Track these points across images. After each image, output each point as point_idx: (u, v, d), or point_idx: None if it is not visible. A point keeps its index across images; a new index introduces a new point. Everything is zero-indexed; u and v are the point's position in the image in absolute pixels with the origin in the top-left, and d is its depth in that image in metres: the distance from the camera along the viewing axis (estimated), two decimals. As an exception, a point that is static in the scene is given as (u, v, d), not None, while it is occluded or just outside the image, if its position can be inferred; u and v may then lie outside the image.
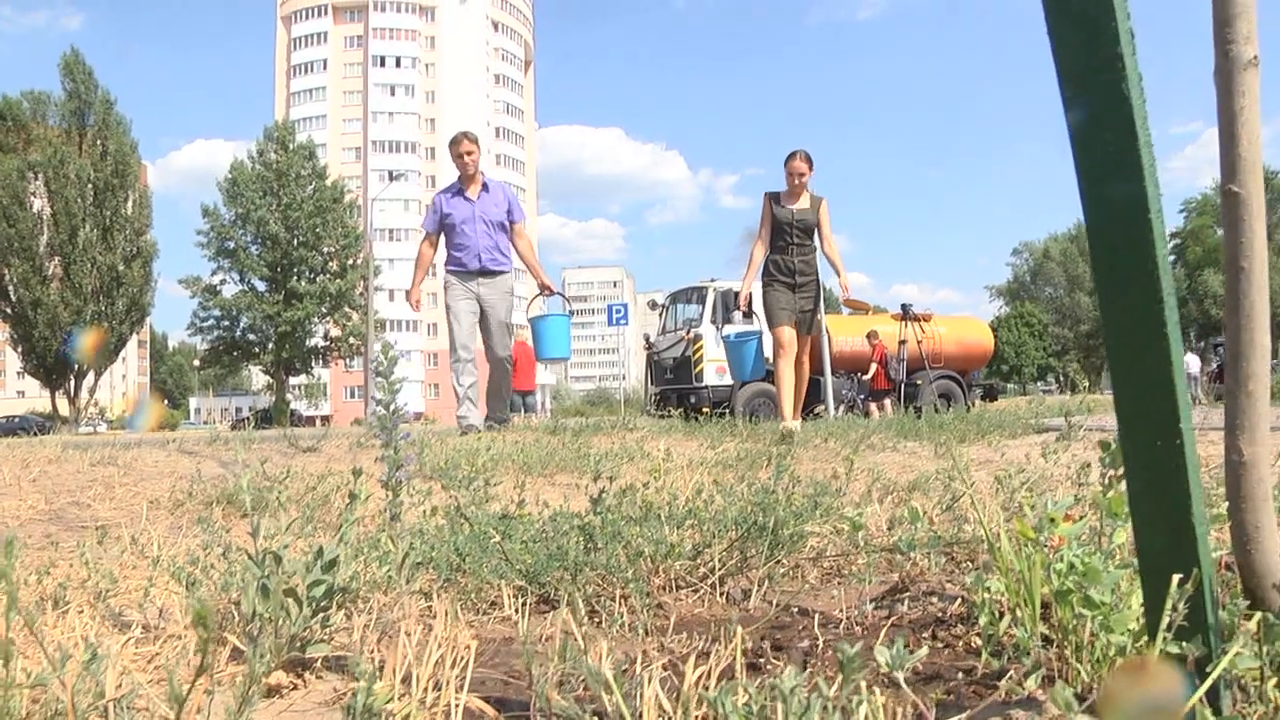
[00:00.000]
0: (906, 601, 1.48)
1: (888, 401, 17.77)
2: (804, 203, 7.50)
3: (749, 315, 8.16)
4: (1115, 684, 0.61)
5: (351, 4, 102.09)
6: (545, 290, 8.08)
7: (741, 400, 17.00)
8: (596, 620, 1.69)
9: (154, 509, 3.52)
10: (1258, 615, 0.72)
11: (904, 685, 0.76)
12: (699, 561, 1.84)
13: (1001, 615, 1.02)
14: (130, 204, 49.69)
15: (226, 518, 3.33)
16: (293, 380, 62.91)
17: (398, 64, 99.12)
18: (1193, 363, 28.29)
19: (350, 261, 55.46)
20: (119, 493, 3.88)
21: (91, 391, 52.18)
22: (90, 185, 47.83)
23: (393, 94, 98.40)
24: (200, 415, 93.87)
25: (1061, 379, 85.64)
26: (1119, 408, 0.72)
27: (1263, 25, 1.15)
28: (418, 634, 1.49)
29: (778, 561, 1.89)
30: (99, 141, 48.98)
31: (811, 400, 19.10)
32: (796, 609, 1.61)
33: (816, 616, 1.53)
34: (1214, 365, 38.25)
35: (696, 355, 17.59)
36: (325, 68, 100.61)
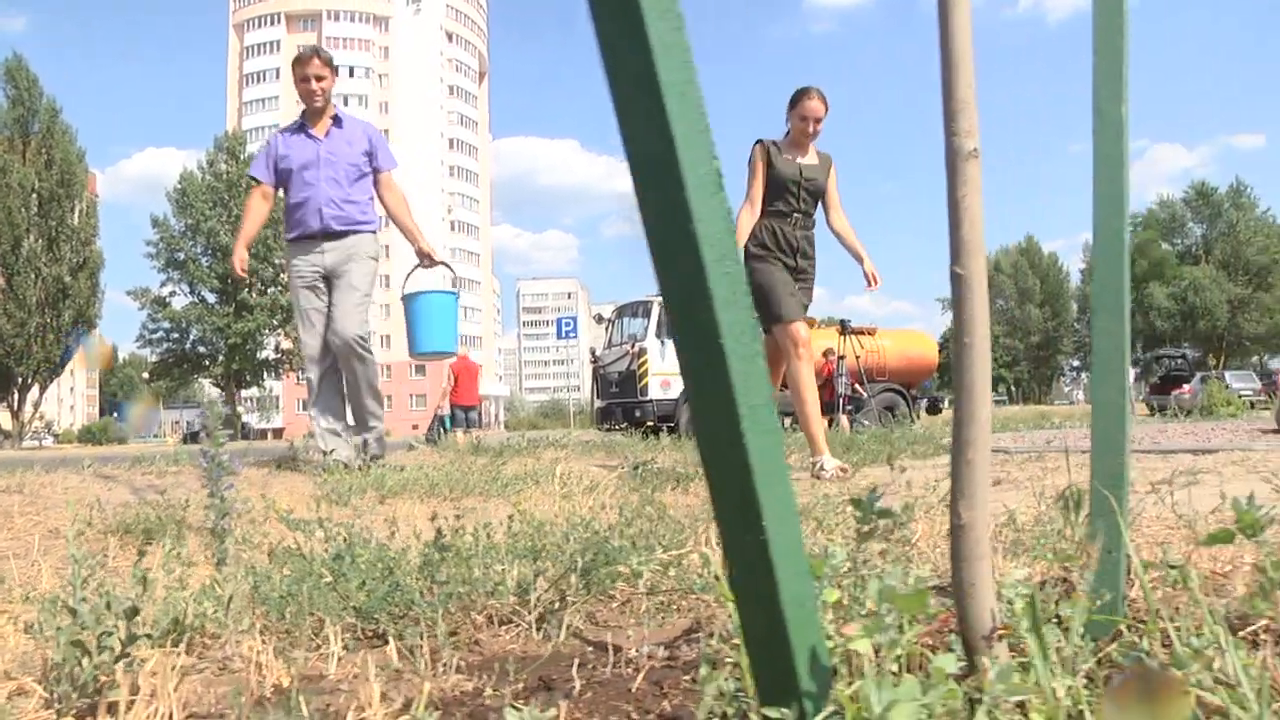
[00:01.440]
0: (691, 644, 1.53)
1: (844, 416, 17.98)
2: (812, 158, 5.72)
3: None
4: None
5: (305, 12, 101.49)
6: (425, 259, 5.97)
7: (685, 415, 17.11)
8: (414, 659, 1.73)
9: (52, 539, 3.48)
10: (857, 683, 0.78)
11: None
12: (525, 598, 1.88)
13: (714, 666, 1.07)
14: (77, 214, 48.98)
15: (125, 549, 3.30)
16: (244, 393, 62.24)
17: (351, 74, 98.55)
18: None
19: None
20: (19, 522, 3.83)
21: (36, 405, 51.28)
22: (34, 194, 47.08)
23: (346, 104, 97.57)
24: (150, 428, 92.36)
25: (1012, 389, 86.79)
26: (715, 500, 0.77)
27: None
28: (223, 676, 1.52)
29: (602, 596, 1.94)
30: (43, 150, 48.24)
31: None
32: (598, 645, 1.66)
33: (612, 654, 1.58)
34: (1156, 377, 39.06)
35: (641, 369, 17.70)
36: (278, 77, 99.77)
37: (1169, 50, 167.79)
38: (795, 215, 5.58)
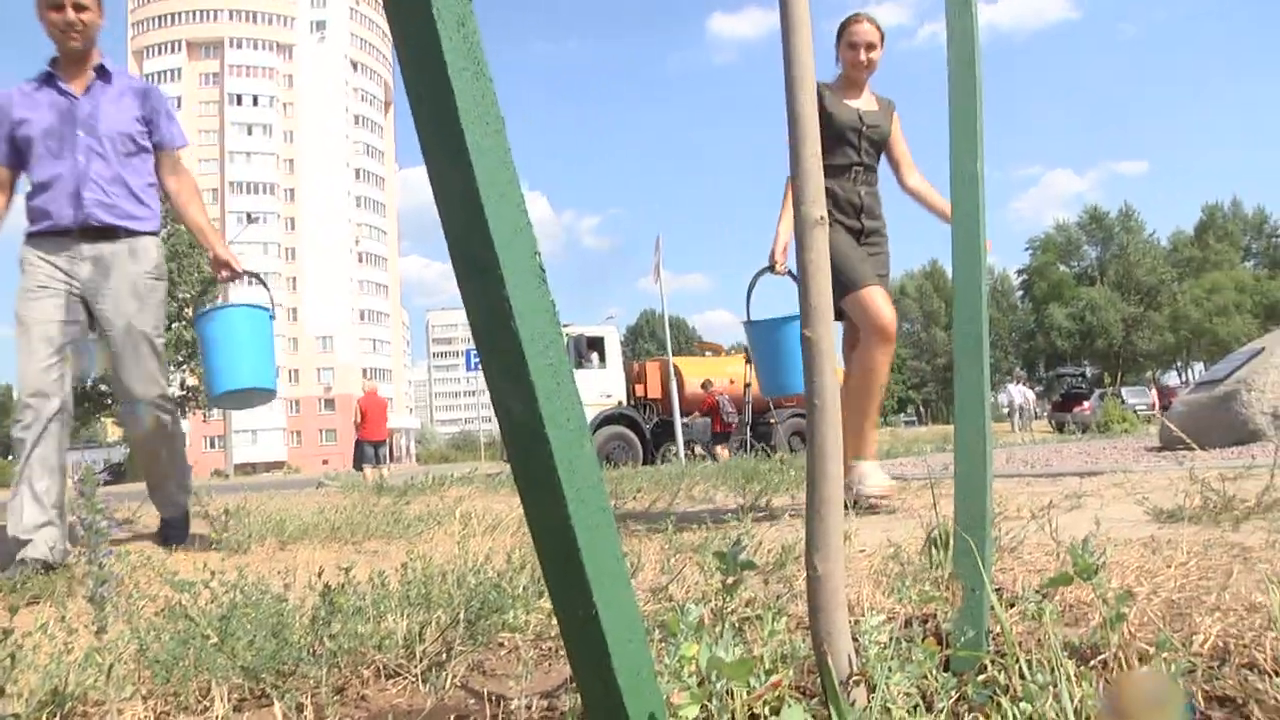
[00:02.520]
0: (571, 692, 1.56)
1: (725, 447, 18.27)
2: (871, 103, 4.70)
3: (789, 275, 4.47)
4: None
5: (206, 40, 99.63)
6: (223, 271, 4.30)
7: (595, 445, 17.15)
8: (301, 718, 1.72)
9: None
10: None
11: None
12: (412, 650, 1.89)
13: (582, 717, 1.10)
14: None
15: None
16: (147, 431, 60.31)
17: (255, 102, 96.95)
18: (1018, 394, 29.74)
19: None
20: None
21: (-82, 447, 49.03)
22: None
23: (250, 133, 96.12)
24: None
25: (920, 411, 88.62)
26: (547, 578, 0.81)
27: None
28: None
29: (490, 645, 1.96)
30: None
31: (661, 440, 19.59)
32: (481, 697, 1.68)
33: (495, 705, 1.61)
34: (1058, 395, 40.30)
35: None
36: (180, 105, 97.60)
37: (1059, 79, 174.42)
38: (855, 169, 4.54)
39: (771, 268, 4.37)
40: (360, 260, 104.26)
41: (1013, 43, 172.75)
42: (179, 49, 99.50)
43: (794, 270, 4.44)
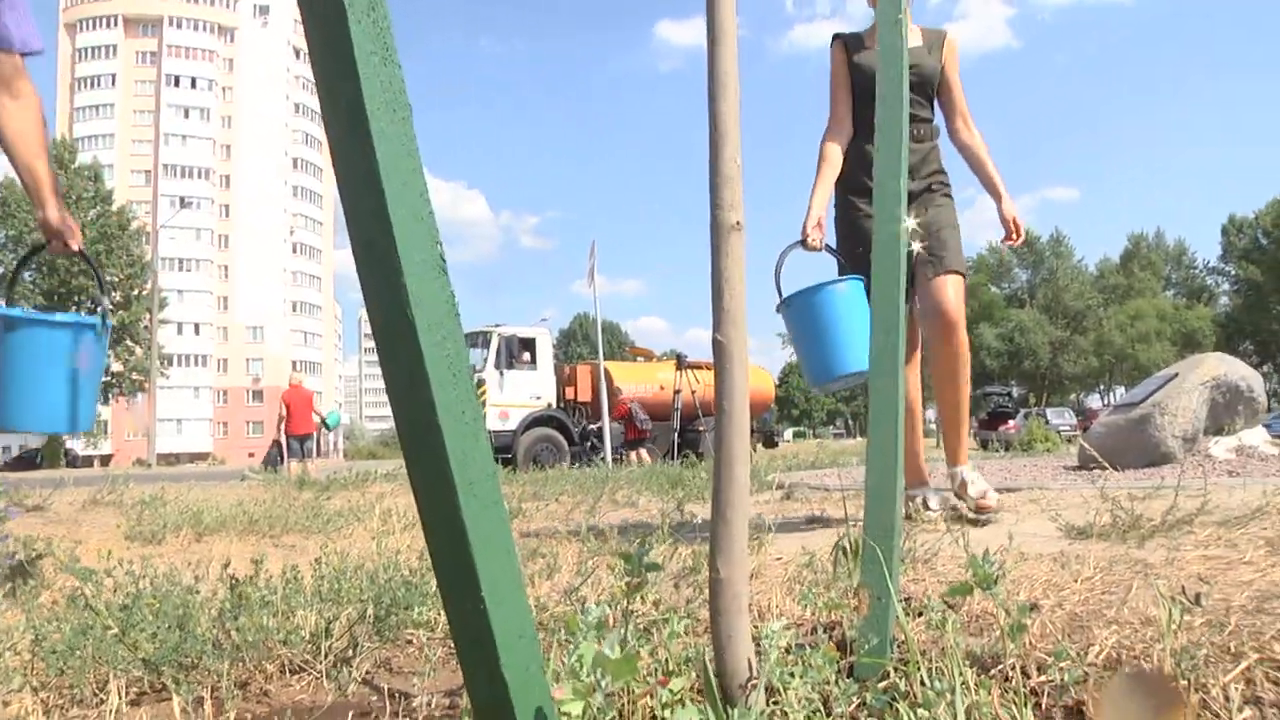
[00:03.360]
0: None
1: (643, 450, 18.32)
2: (914, 38, 4.01)
3: (827, 250, 3.99)
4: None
5: (144, 17, 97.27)
6: (54, 239, 3.07)
7: (522, 447, 17.11)
8: (200, 713, 1.69)
9: None
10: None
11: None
12: (316, 645, 1.86)
13: None
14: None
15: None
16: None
17: (193, 85, 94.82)
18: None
19: (135, 292, 52.40)
20: None
21: None
22: None
23: (187, 116, 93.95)
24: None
25: (850, 423, 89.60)
26: (437, 572, 0.80)
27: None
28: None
29: (398, 642, 1.94)
30: None
31: (589, 441, 19.60)
32: (385, 694, 1.66)
33: (397, 702, 1.59)
34: (984, 413, 41.07)
35: (480, 400, 17.58)
36: (114, 83, 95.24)
37: (999, 105, 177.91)
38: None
39: (804, 242, 3.84)
40: (295, 251, 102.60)
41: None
42: (115, 24, 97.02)
43: (831, 244, 3.81)
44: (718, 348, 1.24)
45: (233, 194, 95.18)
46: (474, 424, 0.76)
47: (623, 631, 1.02)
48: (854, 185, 3.94)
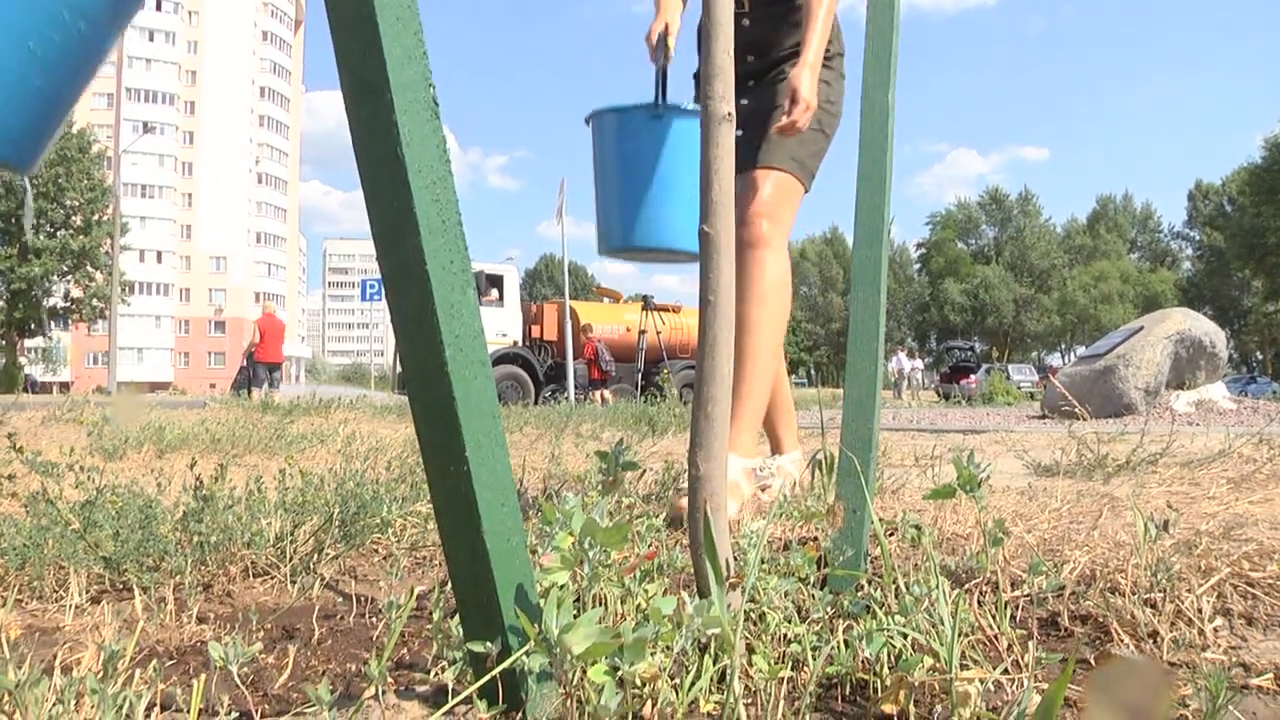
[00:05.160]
0: (443, 595, 1.53)
1: (606, 391, 18.30)
2: None
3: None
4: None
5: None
6: None
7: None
8: (163, 610, 1.66)
9: None
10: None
11: (236, 680, 0.80)
12: (281, 549, 1.83)
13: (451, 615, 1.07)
14: None
15: None
16: (28, 343, 57.94)
17: (159, 7, 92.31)
18: (905, 363, 30.56)
19: (96, 217, 51.30)
20: None
21: None
22: None
23: (151, 39, 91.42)
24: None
25: (812, 373, 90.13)
26: (420, 432, 0.77)
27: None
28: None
29: (363, 550, 1.91)
30: None
31: (554, 382, 19.56)
32: (349, 597, 1.64)
33: (361, 605, 1.57)
34: (946, 367, 41.45)
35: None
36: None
37: (972, 63, 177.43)
38: None
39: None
40: (260, 181, 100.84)
41: (930, 23, 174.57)
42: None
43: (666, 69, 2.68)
44: (704, 239, 1.21)
45: (198, 121, 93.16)
46: (462, 275, 0.72)
47: (607, 505, 0.99)
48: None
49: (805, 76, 2.54)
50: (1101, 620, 1.30)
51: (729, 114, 1.23)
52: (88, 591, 1.78)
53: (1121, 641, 1.22)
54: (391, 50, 0.68)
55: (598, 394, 18.00)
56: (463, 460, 0.73)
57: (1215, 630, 1.27)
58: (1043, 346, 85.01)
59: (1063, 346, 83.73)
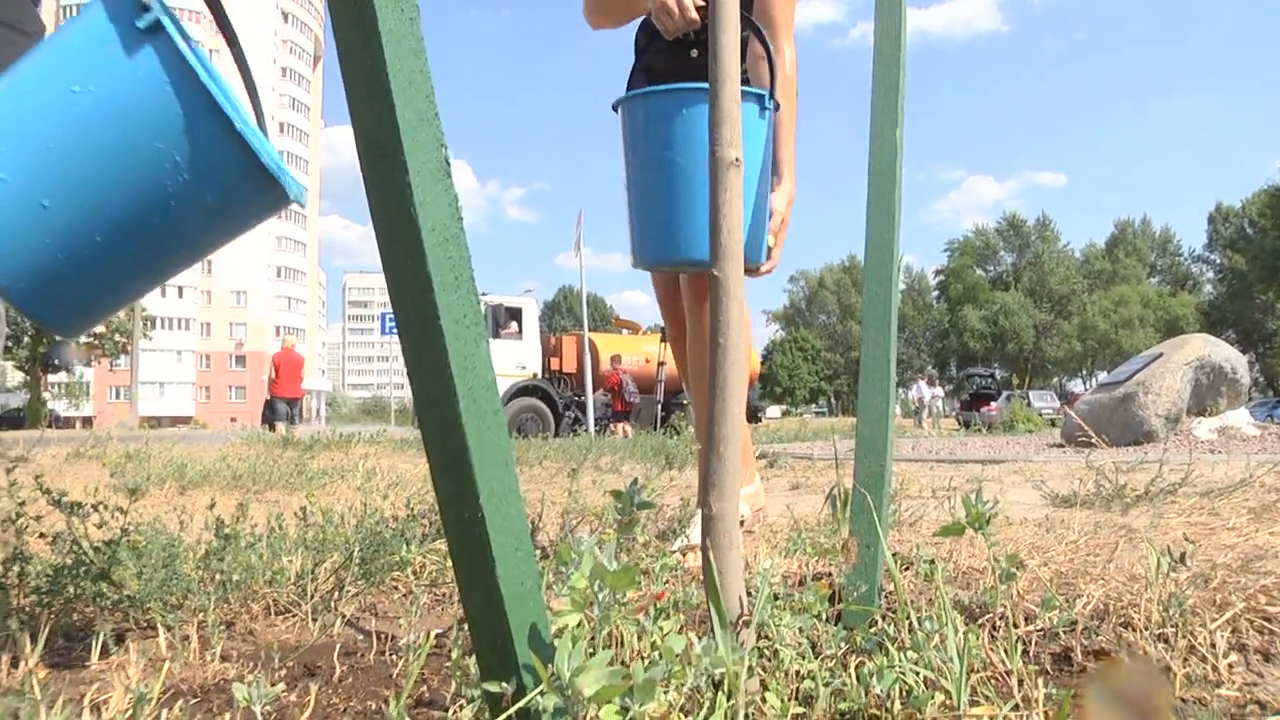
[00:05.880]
0: (461, 632, 1.55)
1: (626, 424, 18.31)
2: None
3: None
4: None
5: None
6: None
7: (507, 416, 17.07)
8: (186, 648, 1.68)
9: None
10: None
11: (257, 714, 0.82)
12: (302, 587, 1.86)
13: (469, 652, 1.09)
14: None
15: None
16: (51, 378, 58.52)
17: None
18: (926, 391, 30.48)
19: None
20: None
21: None
22: None
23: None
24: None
25: (832, 402, 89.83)
26: (435, 480, 0.79)
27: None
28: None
29: (383, 588, 1.93)
30: None
31: (574, 415, 19.57)
32: (370, 634, 1.66)
33: (381, 642, 1.59)
34: (966, 394, 41.26)
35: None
36: None
37: (986, 89, 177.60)
38: None
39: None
40: (279, 215, 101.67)
41: (943, 50, 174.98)
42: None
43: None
44: (714, 283, 1.23)
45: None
46: (475, 329, 0.75)
47: (617, 548, 1.01)
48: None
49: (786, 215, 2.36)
50: (1114, 656, 1.30)
51: (736, 159, 1.26)
52: (113, 629, 1.81)
53: (1134, 677, 1.22)
54: (404, 115, 0.71)
55: (619, 426, 18.01)
56: (477, 508, 0.75)
57: (1230, 666, 1.27)
58: (1064, 372, 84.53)
59: (1084, 372, 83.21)
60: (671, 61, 2.45)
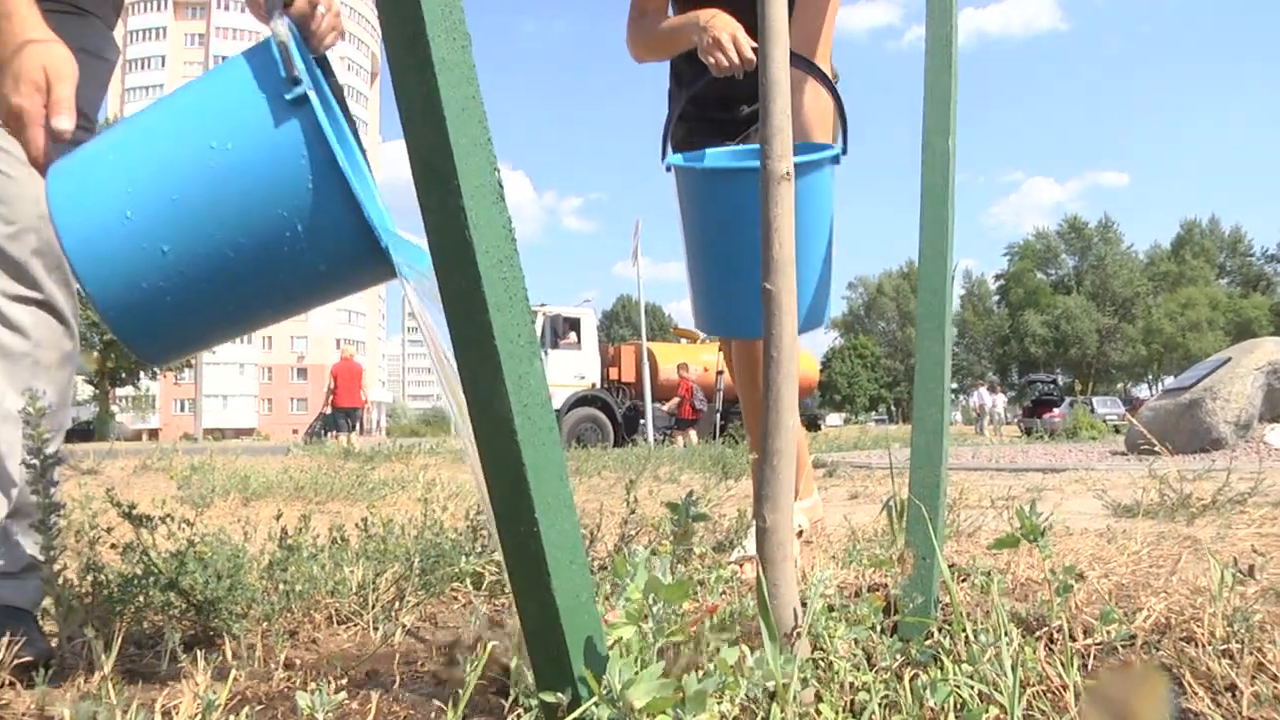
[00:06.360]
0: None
1: (693, 431, 18.28)
2: None
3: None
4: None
5: (193, 0, 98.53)
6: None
7: (566, 426, 17.17)
8: (252, 656, 1.72)
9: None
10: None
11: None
12: (363, 597, 1.89)
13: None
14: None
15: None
16: (119, 391, 60.01)
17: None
18: (987, 398, 30.06)
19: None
20: None
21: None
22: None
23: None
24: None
25: (893, 409, 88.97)
26: (491, 494, 0.81)
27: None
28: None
29: (443, 598, 1.96)
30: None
31: (633, 424, 19.62)
32: (430, 644, 1.69)
33: (438, 651, 1.62)
34: (1028, 401, 40.62)
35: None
36: (164, 65, 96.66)
37: (1045, 88, 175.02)
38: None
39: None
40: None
41: (1001, 50, 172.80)
42: (165, 7, 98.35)
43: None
44: (766, 296, 1.24)
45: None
46: (529, 347, 0.77)
47: (672, 560, 1.03)
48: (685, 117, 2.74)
49: None
50: (1176, 672, 1.28)
51: (787, 173, 1.27)
52: (181, 638, 1.86)
53: (1196, 695, 1.20)
54: (458, 140, 0.73)
55: (685, 434, 18.00)
56: (533, 522, 0.77)
57: (1300, 684, 1.24)
58: (1128, 377, 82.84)
59: (1150, 377, 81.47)
60: (715, 81, 2.41)
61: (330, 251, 1.18)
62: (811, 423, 22.11)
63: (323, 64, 1.44)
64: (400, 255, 1.20)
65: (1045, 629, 1.51)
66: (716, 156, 2.40)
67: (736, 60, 2.27)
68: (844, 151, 2.12)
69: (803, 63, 2.21)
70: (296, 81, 1.13)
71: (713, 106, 2.71)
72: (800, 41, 2.42)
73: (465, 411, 1.07)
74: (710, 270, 2.19)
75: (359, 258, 1.20)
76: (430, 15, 0.75)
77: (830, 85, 2.25)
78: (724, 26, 2.30)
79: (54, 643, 1.73)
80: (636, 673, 0.73)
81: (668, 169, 2.28)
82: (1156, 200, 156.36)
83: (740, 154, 2.43)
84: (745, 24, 2.30)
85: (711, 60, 2.29)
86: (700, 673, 0.84)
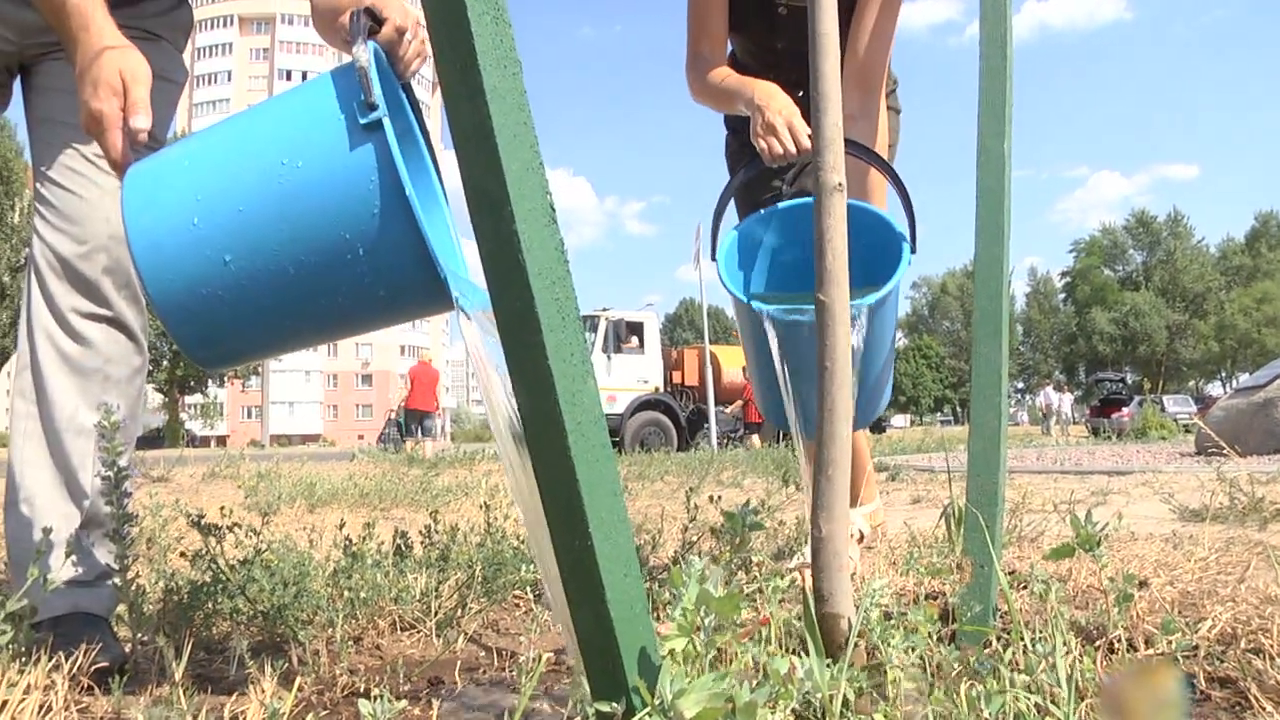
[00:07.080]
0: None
1: (755, 436, 18.23)
2: None
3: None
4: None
5: (258, 15, 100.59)
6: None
7: (630, 430, 17.21)
8: (317, 662, 1.77)
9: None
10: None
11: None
12: (426, 604, 1.93)
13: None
14: (17, 212, 47.93)
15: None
16: (188, 399, 61.41)
17: (304, 78, 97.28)
18: (1055, 398, 29.51)
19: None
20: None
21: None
22: (-29, 192, 45.98)
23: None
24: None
25: (958, 410, 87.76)
26: (546, 509, 0.83)
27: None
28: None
29: (504, 605, 2.00)
30: (-19, 146, 47.13)
31: (697, 428, 19.62)
32: (492, 650, 1.72)
33: (501, 657, 1.65)
34: (1096, 400, 39.85)
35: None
36: (230, 79, 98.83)
37: (1111, 81, 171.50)
38: (780, 49, 2.62)
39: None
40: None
41: (1064, 43, 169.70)
42: (230, 23, 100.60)
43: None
44: (820, 307, 1.25)
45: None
46: (582, 365, 0.79)
47: (725, 572, 1.04)
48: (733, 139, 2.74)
49: None
50: (1241, 685, 1.26)
51: (839, 184, 1.28)
52: (248, 644, 1.91)
53: (1263, 709, 1.18)
54: (510, 166, 0.76)
55: (753, 438, 17.96)
56: (587, 536, 0.79)
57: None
58: (1200, 375, 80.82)
59: (1223, 374, 79.41)
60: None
61: (391, 278, 1.19)
62: (876, 425, 21.89)
63: (405, 86, 1.48)
64: (459, 289, 1.20)
65: (1104, 639, 1.50)
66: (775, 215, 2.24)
67: (792, 150, 2.16)
68: (913, 250, 2.03)
69: (866, 154, 2.15)
70: (373, 107, 1.15)
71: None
72: (873, 45, 2.39)
73: (504, 430, 1.09)
74: (763, 378, 2.15)
75: (418, 287, 1.22)
76: (481, 44, 0.77)
77: (896, 179, 2.13)
78: (779, 110, 2.20)
79: (128, 648, 1.78)
80: (688, 683, 0.75)
81: (712, 259, 2.16)
82: (1228, 192, 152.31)
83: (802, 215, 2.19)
84: (802, 103, 2.09)
85: (764, 145, 2.19)
86: (753, 683, 0.86)
